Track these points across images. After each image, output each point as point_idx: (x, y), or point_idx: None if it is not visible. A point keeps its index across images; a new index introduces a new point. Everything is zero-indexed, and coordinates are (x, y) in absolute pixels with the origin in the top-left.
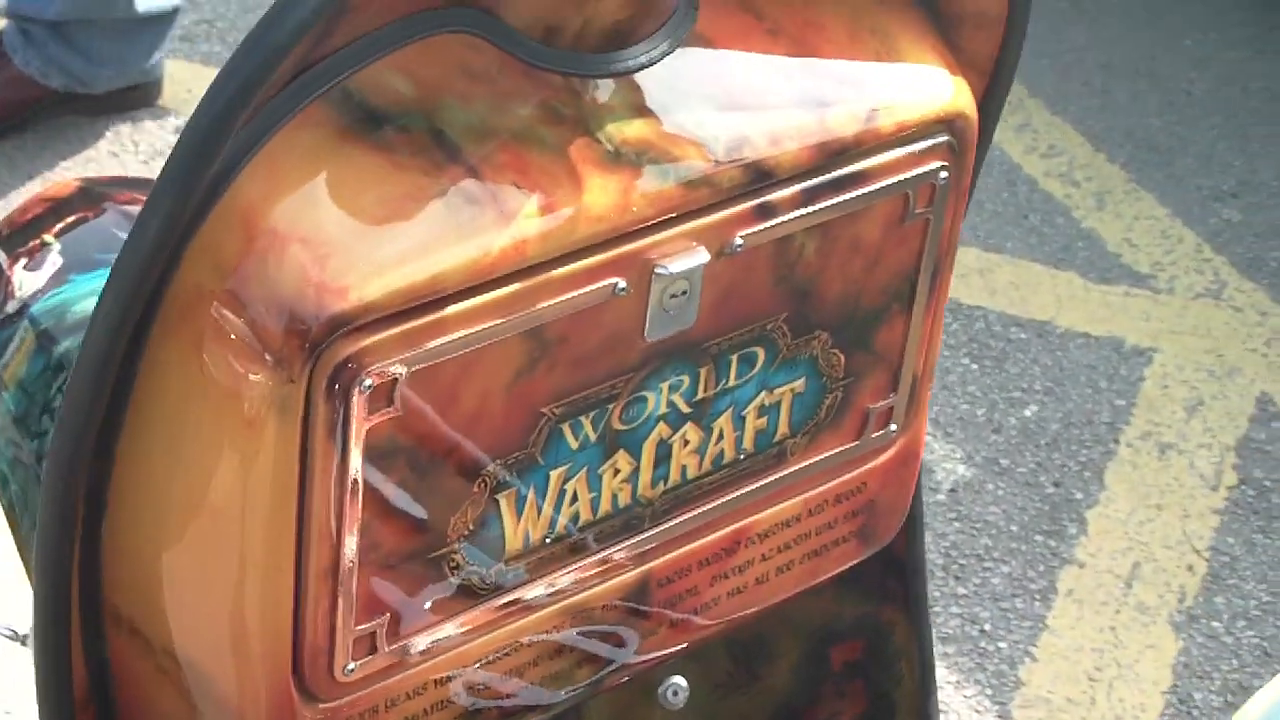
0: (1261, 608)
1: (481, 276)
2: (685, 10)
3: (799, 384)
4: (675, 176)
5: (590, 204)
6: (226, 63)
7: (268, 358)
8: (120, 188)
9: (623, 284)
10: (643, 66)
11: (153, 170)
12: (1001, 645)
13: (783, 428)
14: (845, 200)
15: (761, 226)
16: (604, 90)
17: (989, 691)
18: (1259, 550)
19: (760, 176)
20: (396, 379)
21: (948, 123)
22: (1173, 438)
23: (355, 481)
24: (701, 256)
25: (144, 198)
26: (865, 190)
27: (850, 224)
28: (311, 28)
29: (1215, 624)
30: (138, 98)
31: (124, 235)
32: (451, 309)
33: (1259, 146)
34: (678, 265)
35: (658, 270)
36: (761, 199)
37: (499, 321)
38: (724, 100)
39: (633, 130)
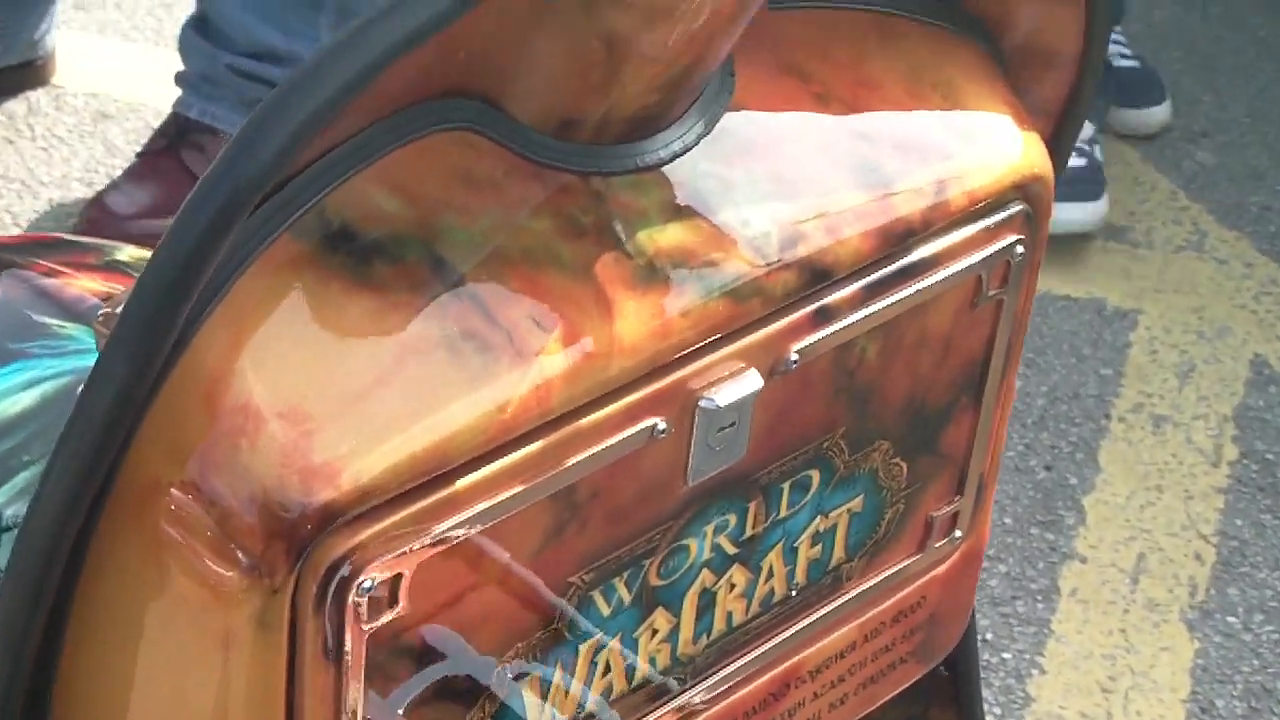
0: (1279, 598)
1: (499, 437)
2: (721, 81)
3: (856, 502)
4: (720, 288)
5: (623, 334)
6: (188, 200)
7: (244, 562)
8: (27, 253)
9: (662, 424)
10: (676, 155)
11: (51, 159)
12: (1006, 656)
13: (838, 553)
14: (913, 293)
15: (820, 335)
16: (631, 189)
17: (997, 710)
18: (1269, 533)
19: (817, 276)
20: (401, 574)
21: (1023, 188)
22: (1166, 409)
23: (355, 706)
24: (753, 382)
25: (61, 267)
26: (935, 278)
27: (916, 317)
28: (297, 148)
29: (1231, 619)
30: (29, 76)
31: (38, 318)
32: (465, 481)
33: (1226, 81)
34: (726, 396)
35: (703, 404)
36: (819, 302)
37: (522, 488)
38: (771, 186)
39: (668, 236)
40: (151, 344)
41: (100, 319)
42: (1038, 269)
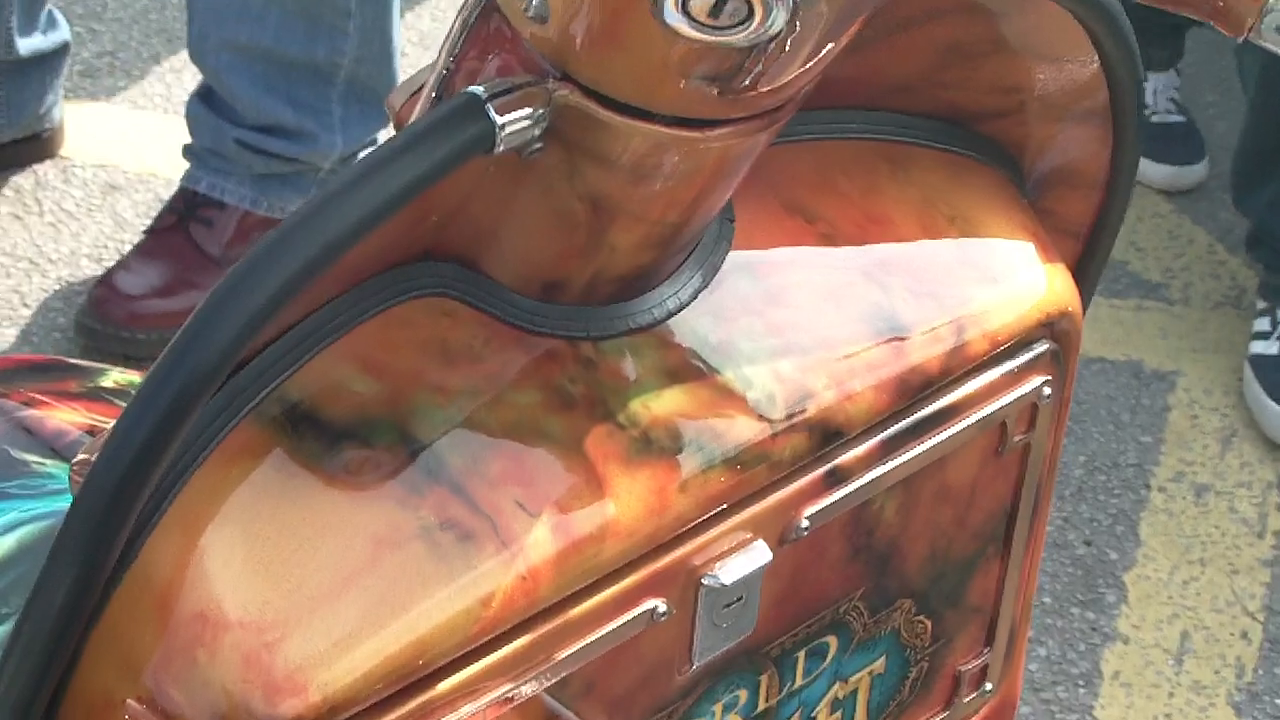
0: None
1: (483, 635)
2: (719, 228)
3: (878, 664)
4: (722, 458)
5: (617, 514)
6: (135, 396)
7: None
8: (7, 380)
9: (663, 607)
10: (671, 314)
11: (60, 235)
12: None
13: (860, 717)
14: (932, 446)
15: (832, 499)
16: (623, 353)
17: None
18: None
19: (828, 437)
20: None
21: (1049, 325)
22: (1208, 477)
23: None
24: (761, 555)
25: (43, 395)
26: (956, 429)
27: (937, 470)
28: (253, 334)
29: None
30: (36, 149)
31: (17, 454)
32: (447, 684)
33: None
34: (732, 571)
35: (706, 582)
36: (831, 464)
37: (509, 686)
38: (776, 341)
39: (665, 403)
40: (97, 553)
41: (75, 467)
42: (1068, 405)
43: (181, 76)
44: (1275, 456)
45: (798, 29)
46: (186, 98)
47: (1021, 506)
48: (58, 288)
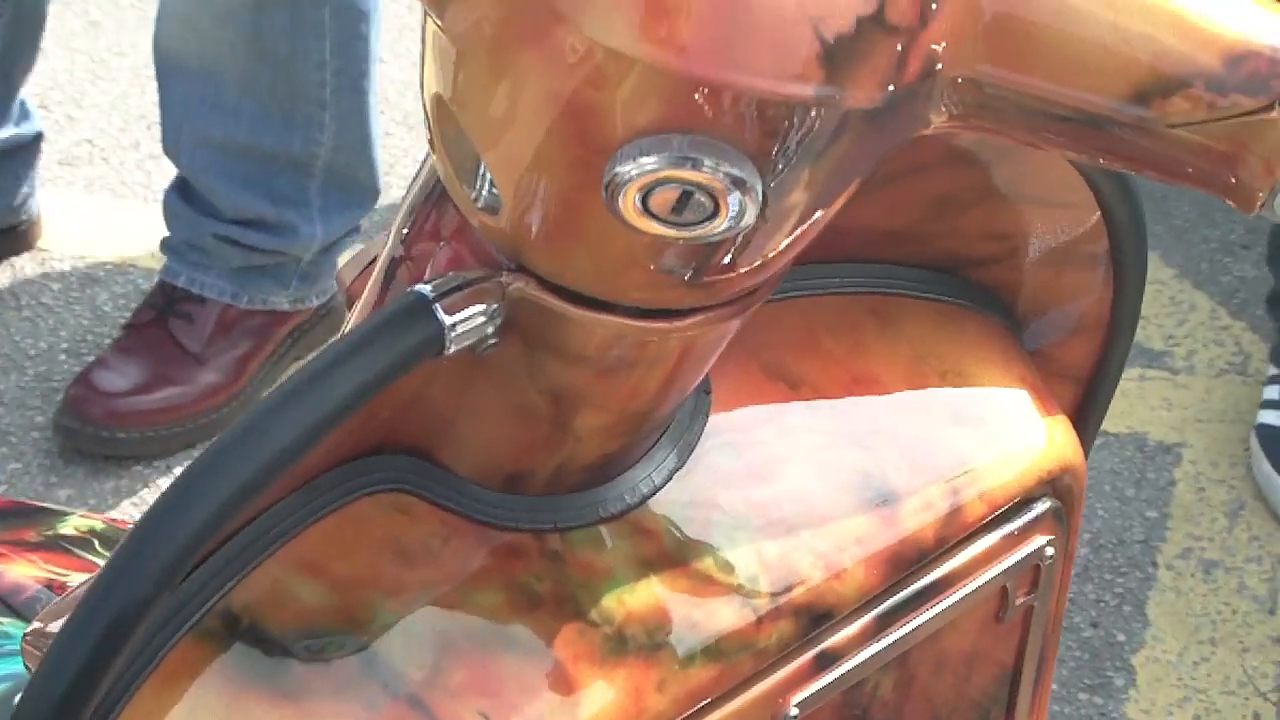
0: None
1: None
2: (695, 401)
3: None
4: (705, 650)
5: (589, 718)
6: (61, 629)
7: None
8: None
9: None
10: (644, 499)
11: (38, 329)
12: None
13: None
14: (928, 620)
15: (823, 683)
16: (594, 544)
17: None
18: None
19: (817, 620)
20: None
21: (1050, 482)
22: (1216, 553)
23: None
24: None
25: (1, 548)
26: (953, 599)
27: (935, 642)
28: (191, 556)
29: None
30: (13, 242)
31: None
32: None
33: None
34: None
35: None
36: (820, 646)
37: None
38: (758, 520)
39: (639, 597)
40: None
41: (28, 638)
42: (1072, 559)
43: (161, 163)
44: None
45: (770, 219)
46: (166, 185)
47: (1025, 669)
48: (36, 384)
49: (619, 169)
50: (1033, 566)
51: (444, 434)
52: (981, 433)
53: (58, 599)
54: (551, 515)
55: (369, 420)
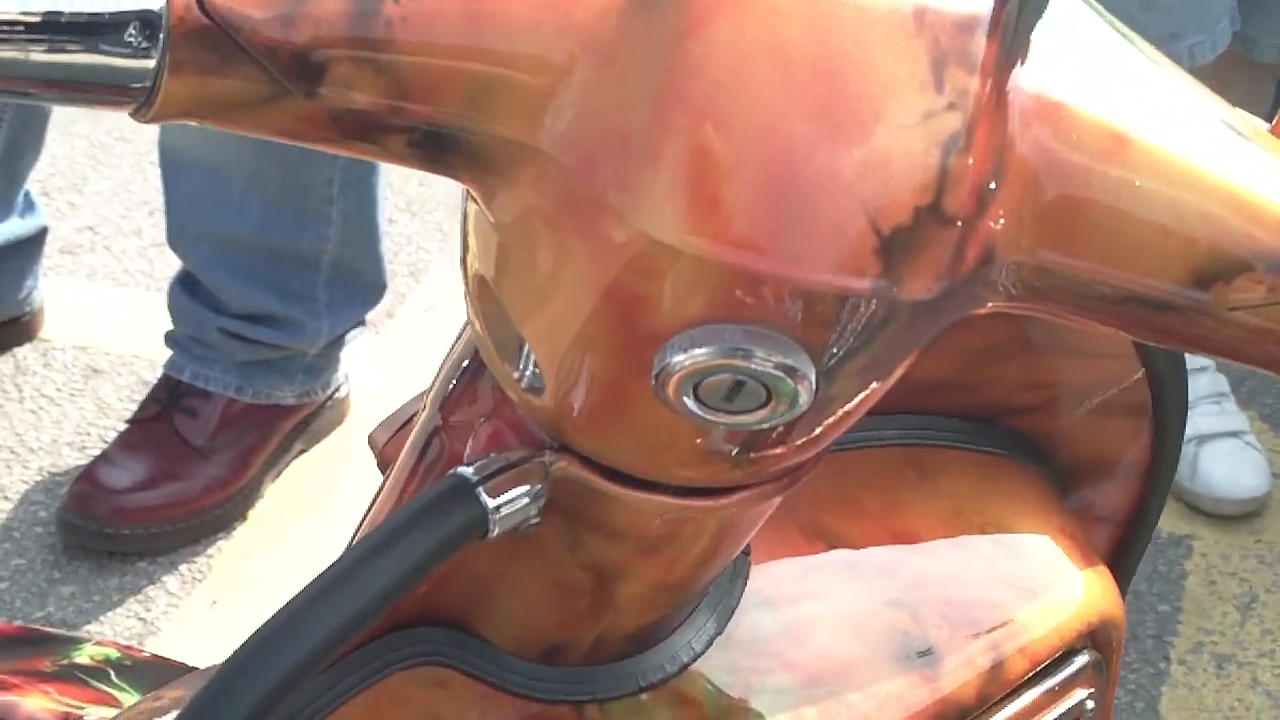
0: None
1: None
2: (734, 565)
3: None
4: None
5: None
6: None
7: None
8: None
9: None
10: (684, 667)
11: (41, 422)
12: None
13: None
14: None
15: None
16: (634, 713)
17: None
18: None
19: None
20: None
21: (1090, 634)
22: (1229, 647)
23: None
24: None
25: (11, 676)
26: None
27: None
28: None
29: None
30: (15, 333)
31: None
32: None
33: None
34: None
35: None
36: None
37: None
38: (798, 686)
39: None
40: None
41: None
42: (1111, 710)
43: (164, 251)
44: None
45: (821, 404)
46: (169, 272)
47: None
48: (39, 478)
49: (670, 359)
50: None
51: (482, 606)
52: (1022, 586)
53: None
54: (590, 686)
55: (406, 596)
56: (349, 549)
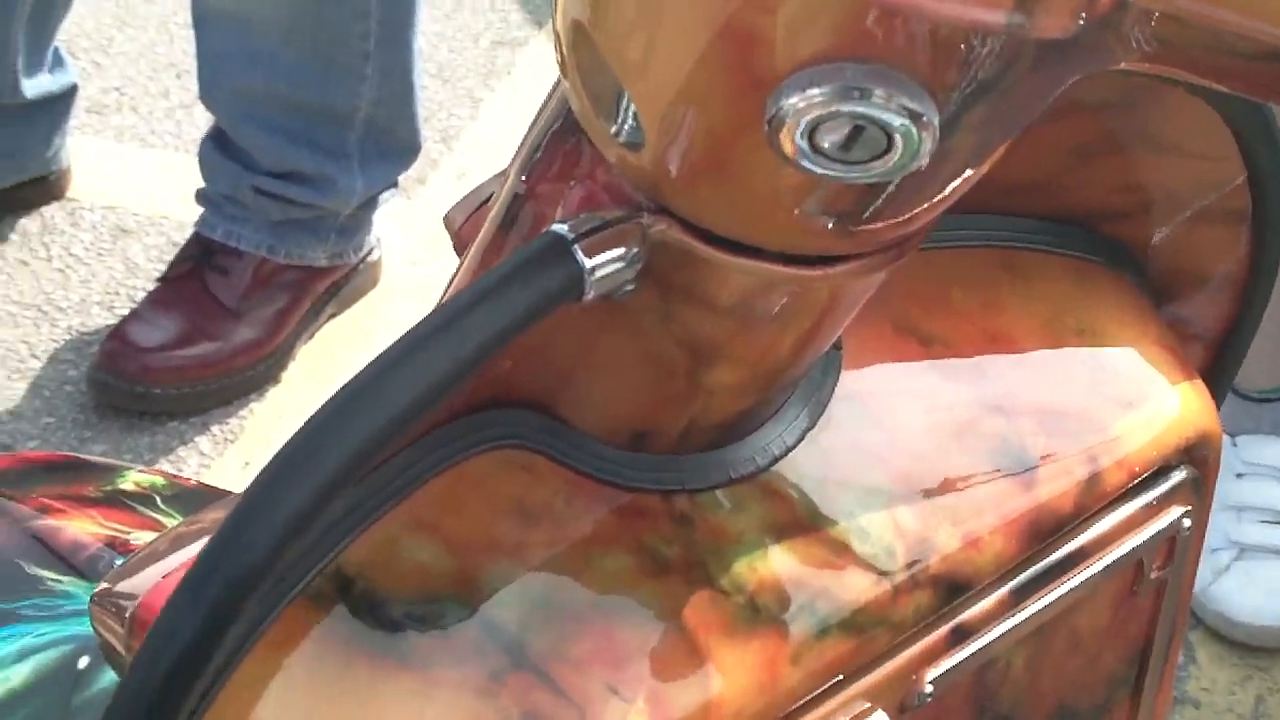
0: None
1: None
2: (826, 358)
3: None
4: (840, 622)
5: (723, 693)
6: (164, 608)
7: None
8: (20, 482)
9: None
10: (775, 460)
11: (69, 281)
12: None
13: None
14: (1065, 593)
15: (958, 659)
16: (724, 507)
17: None
18: None
19: (954, 591)
20: None
21: (1187, 450)
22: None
23: None
24: None
25: (56, 502)
26: (1091, 571)
27: (1068, 618)
28: (306, 528)
29: None
30: (42, 192)
31: (31, 570)
32: None
33: None
34: None
35: None
36: (956, 620)
37: None
38: (893, 485)
39: (771, 564)
40: None
41: (95, 599)
42: (1204, 532)
43: (192, 113)
44: None
45: (936, 160)
46: (197, 134)
47: (1156, 646)
48: (68, 337)
49: (786, 100)
50: (1169, 538)
51: (566, 387)
52: (1120, 397)
53: (124, 559)
54: (679, 475)
55: (487, 371)
56: (435, 309)
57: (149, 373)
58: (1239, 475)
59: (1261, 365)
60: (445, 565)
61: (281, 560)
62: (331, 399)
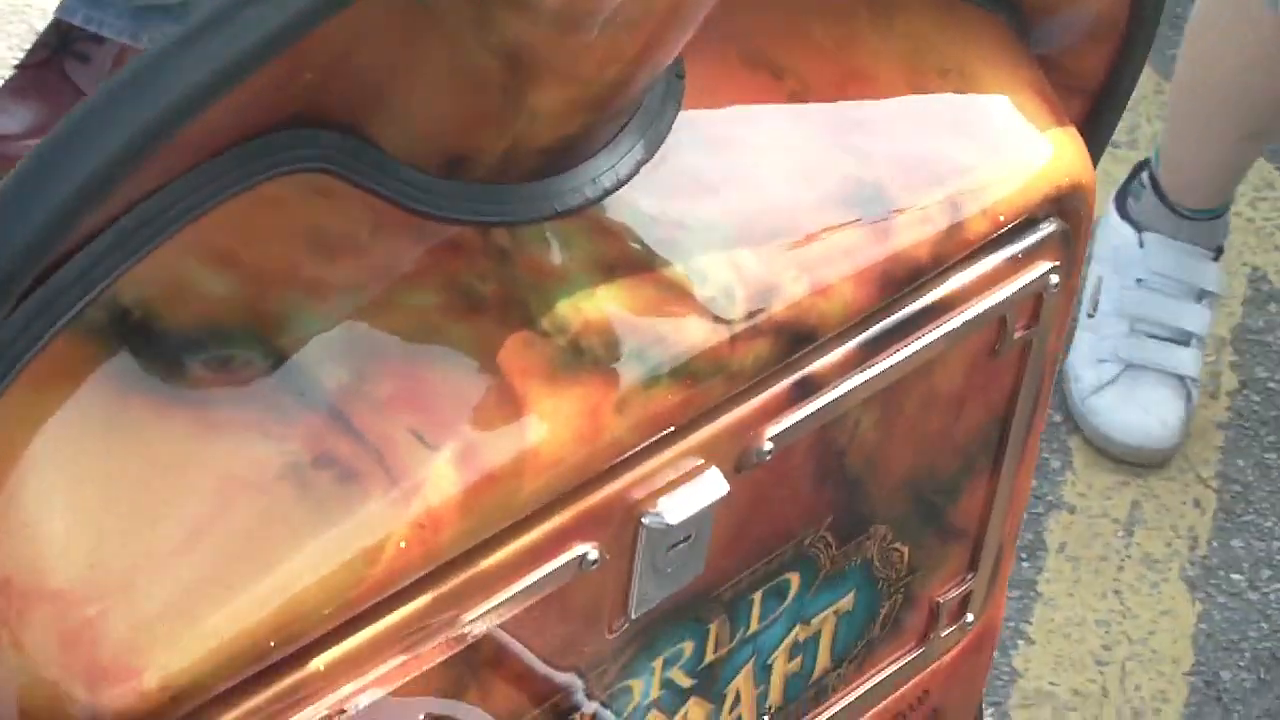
0: None
1: (369, 597)
2: (666, 87)
3: (845, 601)
4: (671, 369)
5: (539, 442)
6: None
7: None
8: None
9: (594, 553)
10: (606, 193)
11: None
12: None
13: (823, 661)
14: (920, 349)
15: (801, 415)
16: (547, 242)
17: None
18: (1274, 474)
19: (798, 341)
20: None
21: (1058, 201)
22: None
23: None
24: (714, 486)
25: None
26: (948, 326)
27: (923, 375)
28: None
29: (1236, 576)
30: None
31: None
32: (325, 658)
33: None
34: (678, 508)
35: (648, 522)
36: (800, 372)
37: (401, 658)
38: (735, 224)
39: (597, 304)
40: None
41: None
42: (1073, 295)
43: None
44: (1229, 311)
45: None
46: None
47: (1018, 413)
48: None
49: None
50: (1034, 296)
51: (375, 105)
52: (985, 140)
53: None
54: (499, 207)
55: (287, 82)
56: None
57: (5, 161)
58: (1139, 281)
59: (1198, 188)
60: (234, 294)
61: (35, 266)
62: (96, 94)
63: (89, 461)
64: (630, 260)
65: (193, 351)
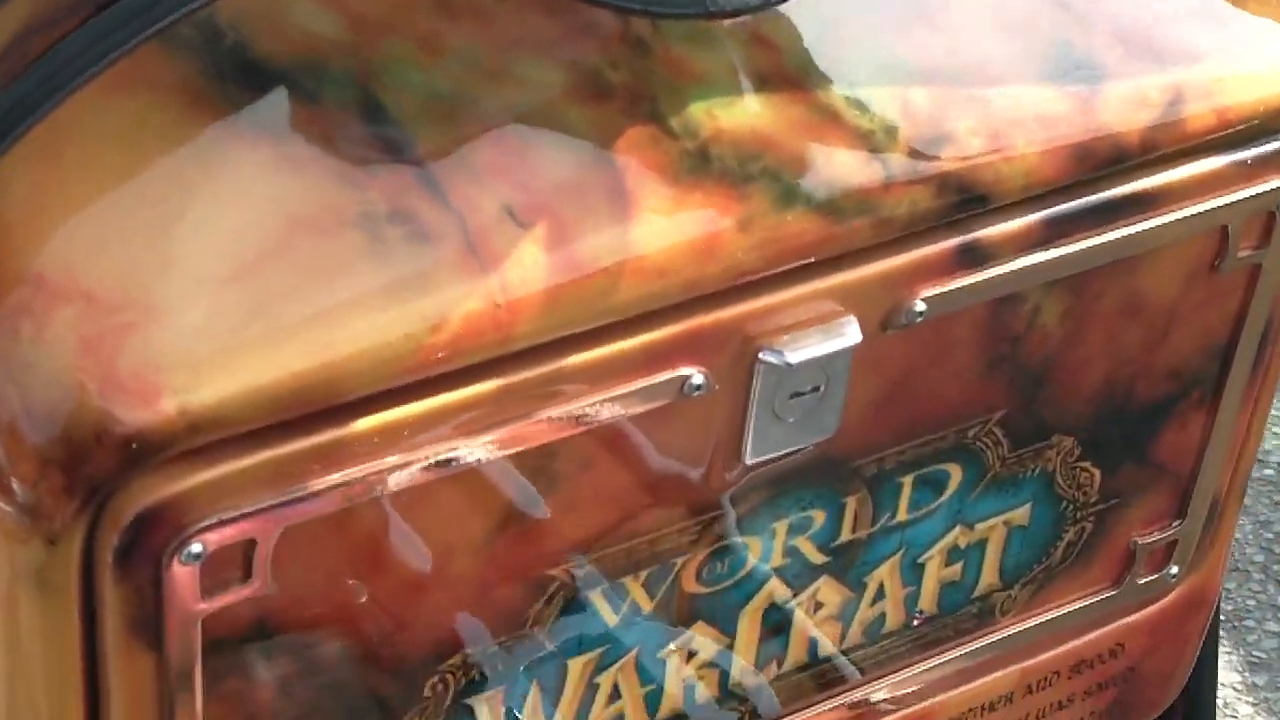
0: None
1: (426, 367)
2: None
3: (1020, 513)
4: (811, 197)
5: (643, 244)
6: None
7: (18, 495)
8: None
9: (699, 377)
10: (769, 4)
11: None
12: None
13: (988, 577)
14: (1117, 240)
15: (965, 282)
16: (691, 41)
17: None
18: None
19: (967, 200)
20: (254, 540)
21: None
22: None
23: (192, 705)
24: (849, 334)
25: None
26: (1154, 223)
27: (1124, 274)
28: None
29: None
30: None
31: None
32: (367, 422)
33: None
34: (802, 349)
35: (765, 357)
36: (969, 235)
37: (460, 447)
38: (913, 61)
39: (736, 115)
40: None
41: None
42: None
43: None
44: None
45: None
46: None
47: (1242, 345)
48: None
49: None
50: (1265, 213)
51: None
52: (1224, 34)
53: None
54: None
55: None
56: None
57: None
58: None
59: None
60: (338, 35)
61: None
62: None
63: (152, 171)
64: (783, 75)
65: (284, 82)
